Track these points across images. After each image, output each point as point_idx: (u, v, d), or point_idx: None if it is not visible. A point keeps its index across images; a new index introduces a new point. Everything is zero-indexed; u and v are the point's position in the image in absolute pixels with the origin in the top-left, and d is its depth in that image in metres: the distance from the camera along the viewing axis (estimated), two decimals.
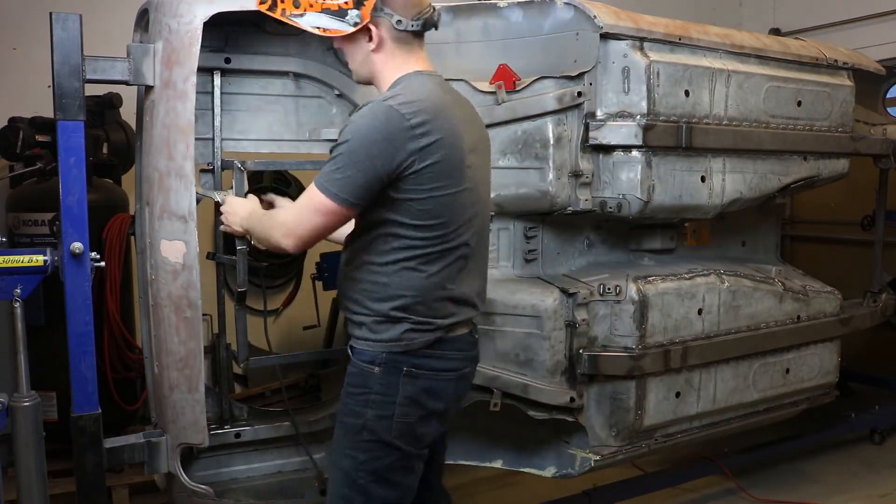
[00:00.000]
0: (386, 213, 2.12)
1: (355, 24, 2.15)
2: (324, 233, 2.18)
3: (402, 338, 2.16)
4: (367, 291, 2.18)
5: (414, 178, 2.07)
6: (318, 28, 2.19)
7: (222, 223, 2.61)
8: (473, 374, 2.40)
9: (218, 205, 2.69)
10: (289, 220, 2.18)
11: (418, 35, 2.20)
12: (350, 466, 2.20)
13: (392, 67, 2.19)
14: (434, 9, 2.21)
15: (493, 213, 2.54)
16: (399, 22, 2.14)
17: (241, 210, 2.51)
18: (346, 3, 2.15)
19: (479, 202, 2.27)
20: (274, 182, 4.57)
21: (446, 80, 2.81)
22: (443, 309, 2.19)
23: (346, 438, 2.22)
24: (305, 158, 3.12)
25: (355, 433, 2.19)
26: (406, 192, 2.08)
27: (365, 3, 2.13)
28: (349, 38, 2.19)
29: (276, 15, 2.26)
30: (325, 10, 2.17)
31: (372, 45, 2.17)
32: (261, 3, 2.29)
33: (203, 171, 2.83)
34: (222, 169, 2.84)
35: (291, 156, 3.07)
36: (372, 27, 2.15)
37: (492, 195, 2.99)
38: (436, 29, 2.24)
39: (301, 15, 2.21)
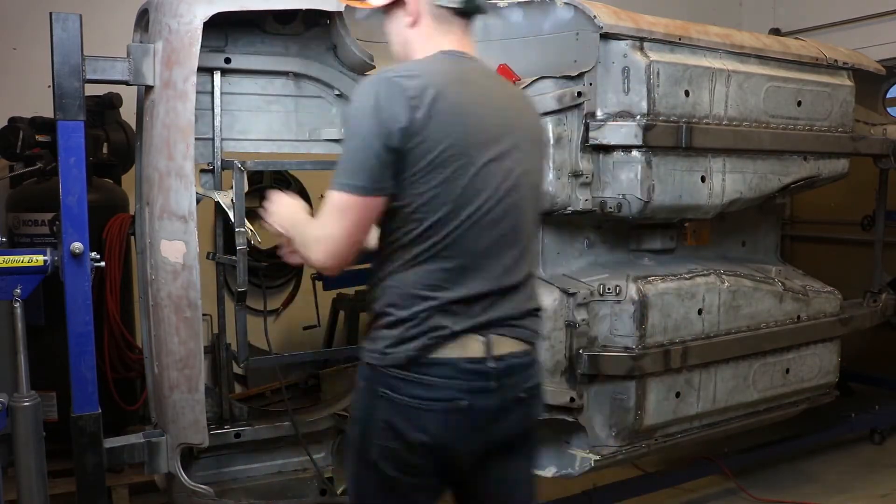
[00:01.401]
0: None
1: None
2: (357, 234, 1.88)
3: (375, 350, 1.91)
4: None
5: (413, 156, 1.82)
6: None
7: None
8: (498, 409, 1.94)
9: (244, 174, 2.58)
10: (319, 236, 1.91)
11: (461, 15, 1.99)
12: (352, 482, 2.05)
13: (425, 45, 1.99)
14: None
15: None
16: None
17: (284, 211, 2.12)
18: None
19: (502, 201, 1.93)
20: (274, 182, 4.58)
21: None
22: (427, 321, 1.87)
23: (348, 454, 2.06)
24: (305, 158, 3.12)
25: (350, 447, 2.03)
26: (406, 174, 1.84)
27: None
28: (387, 10, 2.03)
29: None
30: None
31: (409, 19, 1.99)
32: None
33: (203, 171, 2.83)
34: (222, 169, 2.84)
35: (291, 156, 3.07)
36: (408, 2, 1.98)
37: None
38: (483, 13, 2.04)
39: None
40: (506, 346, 1.95)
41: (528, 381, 2.01)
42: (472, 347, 1.90)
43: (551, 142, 3.05)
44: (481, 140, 1.90)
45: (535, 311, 2.06)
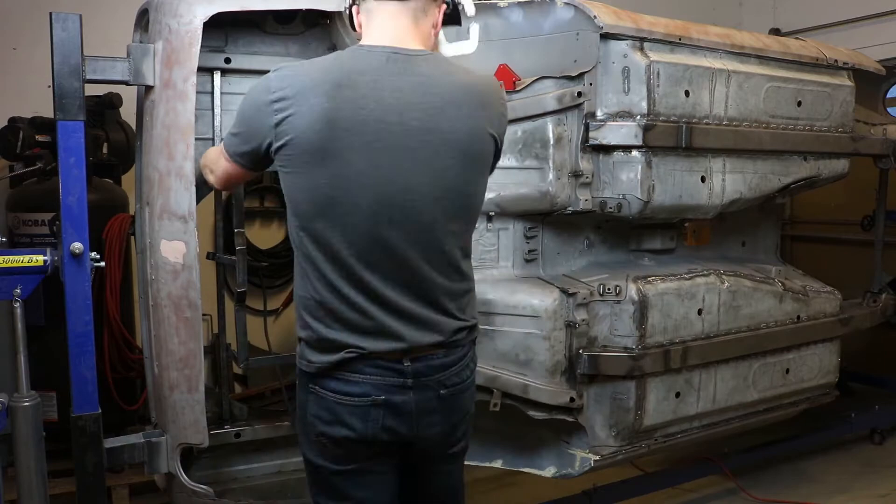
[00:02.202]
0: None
1: (347, 8, 2.13)
2: (231, 179, 2.19)
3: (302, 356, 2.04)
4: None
5: (280, 156, 1.92)
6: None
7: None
8: (419, 404, 2.01)
9: None
10: (211, 158, 2.22)
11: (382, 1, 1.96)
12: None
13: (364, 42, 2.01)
14: None
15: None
16: None
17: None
18: None
19: (397, 206, 1.91)
20: (274, 182, 4.58)
21: None
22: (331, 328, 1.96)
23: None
24: None
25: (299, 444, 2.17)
26: (281, 172, 1.95)
27: None
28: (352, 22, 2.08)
29: None
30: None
31: (357, 24, 2.05)
32: None
33: None
34: None
35: None
36: (355, 8, 2.03)
37: (491, 195, 3.00)
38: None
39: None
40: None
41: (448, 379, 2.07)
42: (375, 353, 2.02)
43: (551, 142, 3.05)
44: (353, 132, 1.87)
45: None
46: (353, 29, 2.06)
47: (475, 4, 2.28)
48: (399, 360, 1.98)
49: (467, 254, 2.10)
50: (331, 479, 2.08)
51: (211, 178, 2.23)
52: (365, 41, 1.99)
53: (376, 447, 2.03)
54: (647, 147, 3.09)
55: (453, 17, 2.15)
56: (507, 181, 3.06)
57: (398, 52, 1.93)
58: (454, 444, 2.17)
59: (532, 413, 3.09)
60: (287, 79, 1.90)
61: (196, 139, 2.59)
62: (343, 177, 1.87)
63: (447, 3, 2.09)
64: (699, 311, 3.36)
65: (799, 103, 3.59)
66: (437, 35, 2.09)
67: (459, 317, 2.05)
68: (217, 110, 2.81)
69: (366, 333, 1.95)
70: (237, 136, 2.03)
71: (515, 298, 3.06)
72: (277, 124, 1.88)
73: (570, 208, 3.11)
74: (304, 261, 1.97)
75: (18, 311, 2.44)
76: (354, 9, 2.03)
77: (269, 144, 1.92)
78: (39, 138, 3.70)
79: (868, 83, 4.23)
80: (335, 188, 1.88)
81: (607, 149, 3.12)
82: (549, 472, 3.24)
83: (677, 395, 3.34)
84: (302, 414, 2.07)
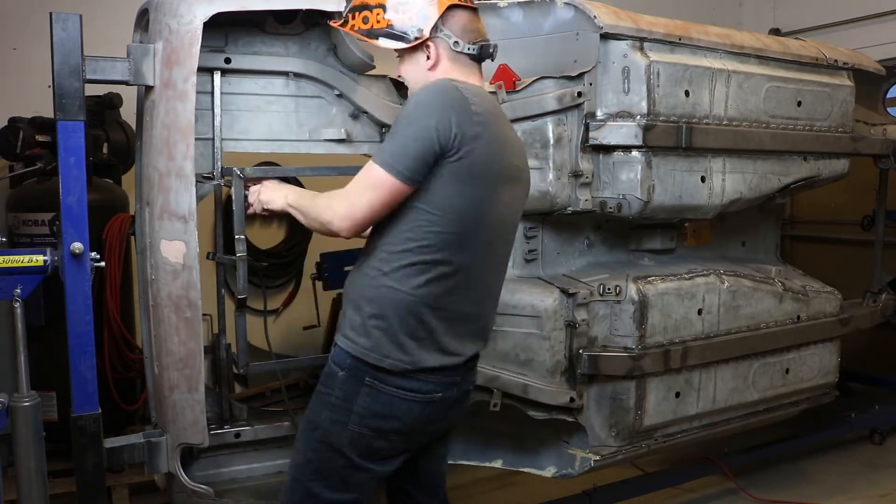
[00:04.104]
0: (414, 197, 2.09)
1: (415, 39, 2.21)
2: (377, 210, 2.09)
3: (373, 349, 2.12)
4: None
5: (455, 165, 2.05)
6: (384, 42, 2.26)
7: (250, 203, 2.50)
8: (456, 399, 2.26)
9: (243, 181, 2.62)
10: (344, 202, 2.12)
11: (475, 59, 2.25)
12: (299, 461, 2.24)
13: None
14: (491, 42, 2.28)
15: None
16: (456, 43, 2.21)
17: (284, 187, 2.44)
18: (409, 19, 2.22)
19: (495, 232, 2.23)
20: None
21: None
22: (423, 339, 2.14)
23: (303, 434, 2.25)
24: (306, 159, 3.12)
25: (311, 430, 2.21)
26: (441, 180, 2.06)
27: (426, 21, 2.20)
28: (408, 53, 2.26)
29: (347, 30, 2.33)
30: (390, 27, 2.24)
31: (429, 63, 2.23)
32: (335, 22, 2.42)
33: (204, 177, 2.82)
34: (222, 175, 2.83)
35: (292, 160, 3.06)
36: (430, 44, 2.22)
37: None
38: (491, 60, 2.29)
39: (369, 30, 2.27)
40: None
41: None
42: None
43: (551, 142, 3.05)
44: (502, 172, 2.17)
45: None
46: (428, 58, 2.23)
47: (475, 4, 2.32)
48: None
49: None
50: (345, 470, 2.16)
51: (343, 225, 2.13)
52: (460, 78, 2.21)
53: (415, 440, 2.24)
54: (647, 147, 3.09)
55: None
56: None
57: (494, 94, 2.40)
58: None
59: (532, 413, 3.09)
60: (476, 96, 2.11)
61: (196, 139, 2.59)
62: (488, 200, 2.14)
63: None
64: (699, 311, 3.36)
65: (799, 103, 3.59)
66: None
67: None
68: (217, 110, 2.81)
69: (466, 339, 2.22)
70: (403, 145, 2.04)
71: (515, 298, 3.07)
72: (474, 137, 2.05)
73: (570, 208, 3.11)
74: (436, 265, 2.10)
75: (18, 311, 2.44)
76: (435, 46, 2.22)
77: (452, 151, 2.04)
78: (39, 138, 3.69)
79: (868, 83, 4.23)
80: (481, 208, 2.13)
81: (607, 149, 3.12)
82: (549, 472, 3.24)
83: (677, 395, 3.34)
84: (344, 403, 2.14)
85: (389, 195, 2.06)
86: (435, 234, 2.08)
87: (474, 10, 2.26)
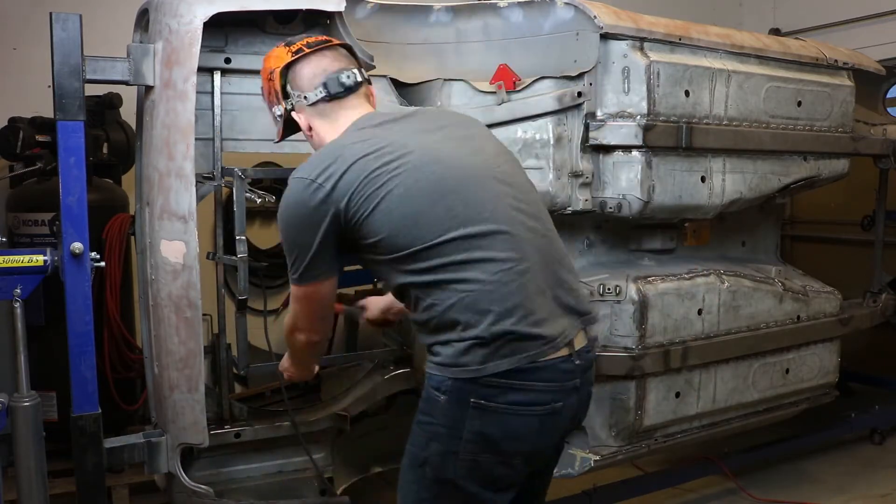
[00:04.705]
0: (382, 268, 2.00)
1: (280, 117, 2.18)
2: (318, 313, 2.11)
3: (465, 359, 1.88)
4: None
5: (357, 218, 1.92)
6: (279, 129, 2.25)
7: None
8: (575, 407, 2.00)
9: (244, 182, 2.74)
10: (291, 322, 2.18)
11: (338, 97, 2.11)
12: (411, 501, 2.01)
13: (332, 134, 2.11)
14: (348, 70, 2.13)
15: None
16: (306, 98, 2.11)
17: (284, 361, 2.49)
18: (271, 100, 2.20)
19: (458, 188, 1.93)
20: (274, 183, 4.57)
21: (446, 80, 2.80)
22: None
23: (410, 470, 1.99)
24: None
25: (418, 466, 1.96)
26: (364, 235, 1.93)
27: (275, 95, 2.15)
28: (294, 131, 2.23)
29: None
30: (274, 115, 2.23)
31: (306, 130, 2.16)
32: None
33: (204, 177, 2.82)
34: (222, 175, 2.84)
35: (292, 159, 3.05)
36: (295, 115, 2.15)
37: None
38: (351, 90, 2.12)
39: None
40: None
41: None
42: (553, 346, 1.96)
43: (551, 142, 3.05)
44: (393, 160, 1.94)
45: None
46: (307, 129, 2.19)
47: (474, 5, 2.31)
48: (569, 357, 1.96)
49: None
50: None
51: (302, 338, 2.18)
52: (349, 123, 2.13)
53: (535, 461, 2.02)
54: (647, 147, 3.09)
55: None
56: None
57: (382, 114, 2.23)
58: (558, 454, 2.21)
59: None
60: (315, 160, 2.03)
61: (196, 139, 2.59)
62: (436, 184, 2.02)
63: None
64: (699, 311, 3.36)
65: (799, 103, 3.59)
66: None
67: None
68: (217, 110, 2.81)
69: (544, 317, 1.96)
70: (297, 257, 2.06)
71: None
72: (333, 188, 1.98)
73: (569, 208, 3.11)
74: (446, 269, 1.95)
75: (18, 311, 2.44)
76: (300, 113, 2.16)
77: (346, 219, 1.97)
78: (39, 138, 3.69)
79: (868, 83, 4.23)
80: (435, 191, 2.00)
81: (607, 149, 3.12)
82: None
83: (677, 395, 3.34)
84: (452, 431, 1.89)
85: (318, 297, 2.05)
86: (414, 254, 1.91)
87: (311, 52, 2.12)
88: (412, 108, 2.11)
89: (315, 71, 2.11)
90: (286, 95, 2.14)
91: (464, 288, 1.88)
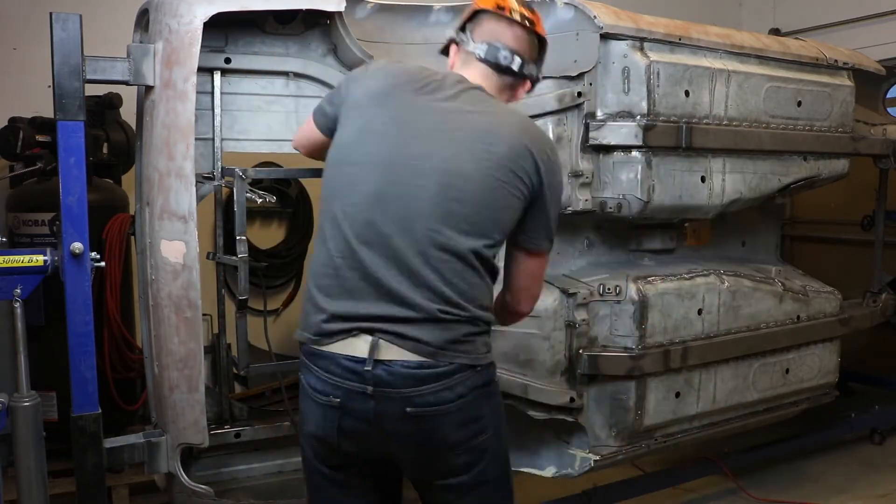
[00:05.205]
0: None
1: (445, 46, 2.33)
2: (304, 140, 2.32)
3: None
4: None
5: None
6: None
7: None
8: (374, 415, 1.94)
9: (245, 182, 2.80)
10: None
11: (482, 61, 2.19)
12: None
13: None
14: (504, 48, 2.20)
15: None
16: (466, 42, 2.24)
17: None
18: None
19: (393, 181, 1.98)
20: (274, 183, 4.57)
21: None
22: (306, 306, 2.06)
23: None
24: (305, 162, 3.11)
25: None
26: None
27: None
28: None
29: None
30: None
31: (449, 62, 2.31)
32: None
33: (204, 177, 2.82)
34: (222, 175, 2.84)
35: (292, 159, 3.06)
36: (451, 46, 2.31)
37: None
38: (500, 70, 2.19)
39: None
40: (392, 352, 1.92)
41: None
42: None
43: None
44: (385, 107, 2.06)
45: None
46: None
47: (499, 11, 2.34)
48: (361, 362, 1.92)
49: None
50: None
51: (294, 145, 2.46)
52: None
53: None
54: (648, 147, 3.09)
55: None
56: None
57: (473, 86, 2.16)
58: (445, 476, 2.04)
59: (532, 413, 3.09)
60: (384, 62, 2.40)
61: (196, 139, 2.59)
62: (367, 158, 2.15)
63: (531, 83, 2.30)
64: (699, 311, 3.36)
65: (799, 103, 3.59)
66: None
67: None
68: (217, 110, 2.81)
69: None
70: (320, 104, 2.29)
71: None
72: (348, 85, 2.21)
73: (569, 208, 3.11)
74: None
75: (18, 311, 2.44)
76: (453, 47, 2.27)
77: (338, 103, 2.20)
78: (39, 138, 3.69)
79: (868, 83, 4.23)
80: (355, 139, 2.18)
81: (607, 149, 3.12)
82: (549, 472, 3.24)
83: (677, 395, 3.34)
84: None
85: (309, 129, 2.26)
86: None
87: (497, 15, 2.19)
88: (455, 88, 2.12)
89: (488, 28, 2.23)
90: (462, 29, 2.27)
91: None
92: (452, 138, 2.01)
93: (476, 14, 2.21)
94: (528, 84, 2.26)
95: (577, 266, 3.37)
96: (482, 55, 2.16)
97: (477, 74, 2.17)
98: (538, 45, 2.24)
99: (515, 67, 2.17)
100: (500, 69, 2.17)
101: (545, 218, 2.12)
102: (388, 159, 1.99)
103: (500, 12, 2.17)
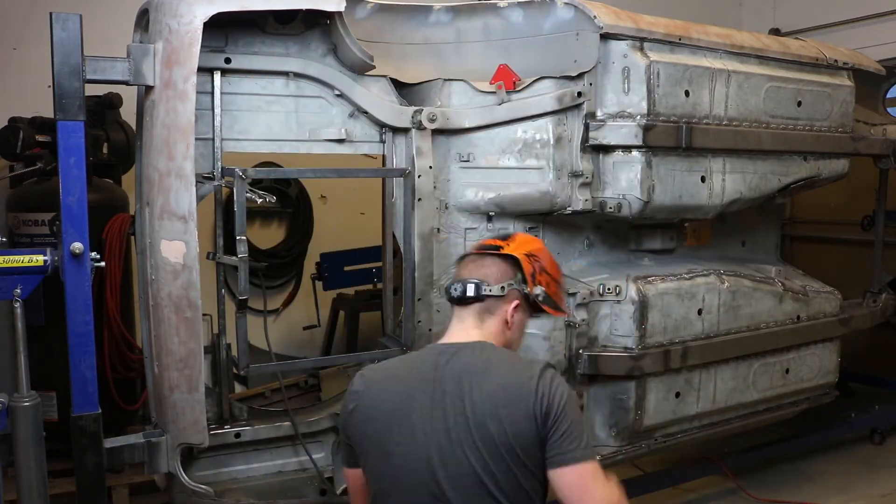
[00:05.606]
0: None
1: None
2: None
3: None
4: None
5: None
6: None
7: None
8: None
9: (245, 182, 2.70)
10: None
11: (453, 303, 2.10)
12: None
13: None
14: (455, 283, 2.10)
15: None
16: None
17: None
18: None
19: (411, 474, 1.93)
20: (274, 183, 4.58)
21: (446, 79, 2.78)
22: None
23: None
24: (305, 158, 3.12)
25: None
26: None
27: None
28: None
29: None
30: None
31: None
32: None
33: (205, 177, 2.82)
34: (222, 175, 2.84)
35: (293, 161, 3.06)
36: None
37: (491, 195, 3.01)
38: (459, 301, 2.08)
39: None
40: None
41: None
42: None
43: (551, 142, 3.05)
44: (394, 420, 1.95)
45: None
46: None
47: (474, 5, 2.28)
48: None
49: None
50: None
51: None
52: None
53: None
54: (647, 147, 3.09)
55: (535, 307, 2.15)
56: (506, 181, 3.06)
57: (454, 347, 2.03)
58: None
59: None
60: (372, 371, 2.12)
61: (196, 139, 2.59)
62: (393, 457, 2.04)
63: (520, 299, 2.10)
64: (699, 311, 3.36)
65: (799, 103, 3.59)
66: (512, 327, 2.10)
67: None
68: (217, 110, 2.81)
69: None
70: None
71: None
72: (349, 413, 2.06)
73: (569, 208, 3.11)
74: None
75: (18, 311, 2.44)
76: None
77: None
78: (39, 138, 3.70)
79: (868, 83, 4.23)
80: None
81: (607, 149, 3.12)
82: None
83: (677, 395, 3.34)
84: None
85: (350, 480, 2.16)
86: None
87: (464, 256, 2.18)
88: (459, 365, 1.97)
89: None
90: None
91: None
92: None
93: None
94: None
95: (577, 266, 3.37)
96: (447, 297, 2.12)
97: (456, 319, 2.12)
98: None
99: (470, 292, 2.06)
100: (461, 303, 2.10)
101: None
102: None
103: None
